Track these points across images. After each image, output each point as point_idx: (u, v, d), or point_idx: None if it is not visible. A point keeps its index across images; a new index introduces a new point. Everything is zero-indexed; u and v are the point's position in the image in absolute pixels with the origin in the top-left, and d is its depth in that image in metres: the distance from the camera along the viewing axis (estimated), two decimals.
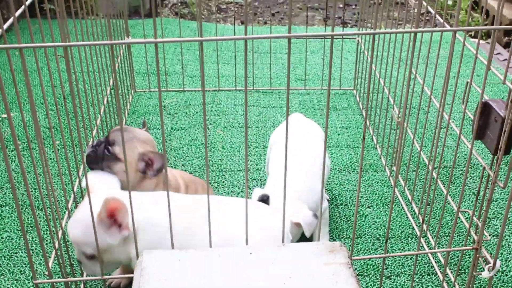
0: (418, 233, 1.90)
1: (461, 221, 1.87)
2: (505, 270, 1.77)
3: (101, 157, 1.63)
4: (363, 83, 2.74)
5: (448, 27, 1.30)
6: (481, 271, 1.44)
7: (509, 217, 2.01)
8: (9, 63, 1.12)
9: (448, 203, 2.02)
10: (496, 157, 1.33)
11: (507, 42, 3.69)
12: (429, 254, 1.80)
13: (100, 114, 2.22)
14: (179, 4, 4.68)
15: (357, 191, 1.26)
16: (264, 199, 1.72)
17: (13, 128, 1.18)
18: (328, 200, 1.99)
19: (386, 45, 2.26)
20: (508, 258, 1.82)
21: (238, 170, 2.26)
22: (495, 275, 1.73)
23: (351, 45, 3.57)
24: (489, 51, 1.31)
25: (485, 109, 1.38)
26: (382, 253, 1.82)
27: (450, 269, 1.75)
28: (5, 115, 2.59)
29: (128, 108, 2.71)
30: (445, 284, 1.69)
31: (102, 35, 2.26)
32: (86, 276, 1.51)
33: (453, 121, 1.89)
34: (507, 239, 1.90)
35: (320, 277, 1.22)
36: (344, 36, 3.29)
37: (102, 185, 1.52)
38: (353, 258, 1.38)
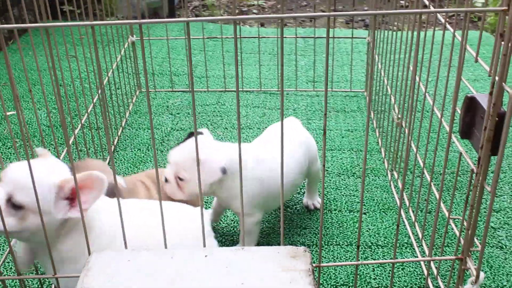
0: (404, 240, 1.77)
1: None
2: (505, 286, 1.62)
3: None
4: (374, 85, 2.61)
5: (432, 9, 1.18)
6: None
7: (510, 224, 1.86)
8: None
9: (441, 210, 1.87)
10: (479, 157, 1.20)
11: None
12: (422, 264, 1.67)
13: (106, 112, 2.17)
14: (200, 6, 4.65)
15: (361, 199, 1.15)
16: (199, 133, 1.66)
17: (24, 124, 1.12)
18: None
19: (392, 46, 2.14)
20: (500, 269, 1.67)
21: None
22: None
23: (363, 46, 3.45)
24: (462, 37, 1.19)
25: (472, 105, 1.25)
26: (381, 260, 1.70)
27: (444, 281, 1.61)
28: (10, 112, 2.57)
29: (130, 108, 2.66)
30: None
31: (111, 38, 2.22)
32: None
33: (446, 121, 1.75)
34: (508, 248, 1.75)
35: (276, 284, 1.12)
36: (344, 37, 3.17)
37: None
38: (321, 265, 1.27)
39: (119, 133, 2.43)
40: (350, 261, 1.72)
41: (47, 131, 2.43)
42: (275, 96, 2.84)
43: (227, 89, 2.88)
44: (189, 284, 1.12)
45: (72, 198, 1.23)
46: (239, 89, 2.87)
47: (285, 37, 3.56)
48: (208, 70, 3.12)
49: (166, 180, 1.65)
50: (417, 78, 1.65)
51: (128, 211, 1.33)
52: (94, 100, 2.23)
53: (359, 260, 1.71)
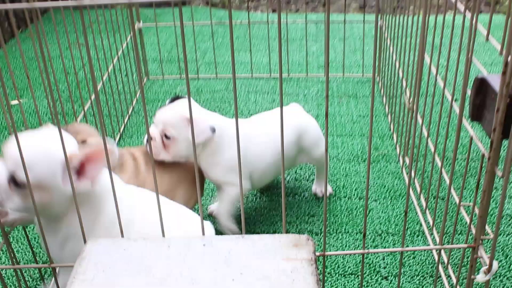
0: (412, 229, 1.71)
1: (474, 216, 1.67)
2: None
3: None
4: (386, 69, 2.54)
5: None
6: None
7: None
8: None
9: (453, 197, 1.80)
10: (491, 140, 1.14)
11: None
12: (434, 253, 1.61)
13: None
14: None
15: (366, 185, 1.10)
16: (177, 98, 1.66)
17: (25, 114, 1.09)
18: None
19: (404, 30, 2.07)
20: None
21: None
22: (494, 278, 1.53)
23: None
24: (472, 15, 1.12)
25: (482, 86, 1.19)
26: (386, 252, 1.65)
27: (456, 270, 1.55)
28: (15, 102, 2.55)
29: (138, 96, 2.62)
30: (447, 286, 1.50)
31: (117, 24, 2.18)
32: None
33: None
34: None
35: (276, 275, 1.07)
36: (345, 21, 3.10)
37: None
38: (326, 253, 1.22)
39: (125, 121, 2.39)
40: (360, 249, 1.67)
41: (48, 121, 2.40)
42: (285, 82, 2.78)
43: (237, 76, 2.83)
44: (186, 274, 1.08)
45: (80, 170, 1.17)
46: (250, 76, 2.82)
47: (296, 22, 3.50)
48: (218, 56, 3.06)
49: (150, 139, 1.60)
50: (428, 60, 1.58)
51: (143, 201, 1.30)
52: (99, 87, 2.19)
53: (366, 248, 1.65)
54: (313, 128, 1.80)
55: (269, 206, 1.86)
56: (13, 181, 1.14)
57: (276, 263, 1.10)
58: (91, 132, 1.58)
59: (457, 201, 1.41)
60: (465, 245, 1.24)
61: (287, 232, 1.75)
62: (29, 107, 2.53)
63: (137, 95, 2.61)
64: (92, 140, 1.52)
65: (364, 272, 1.58)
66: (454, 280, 1.50)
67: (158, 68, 2.92)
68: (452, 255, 1.62)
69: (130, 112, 2.47)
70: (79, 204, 1.16)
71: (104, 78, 2.32)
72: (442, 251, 1.56)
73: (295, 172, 2.03)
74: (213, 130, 1.56)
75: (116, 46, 2.35)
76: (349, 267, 1.59)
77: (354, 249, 1.66)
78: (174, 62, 3.00)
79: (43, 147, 1.14)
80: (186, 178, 1.65)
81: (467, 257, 1.55)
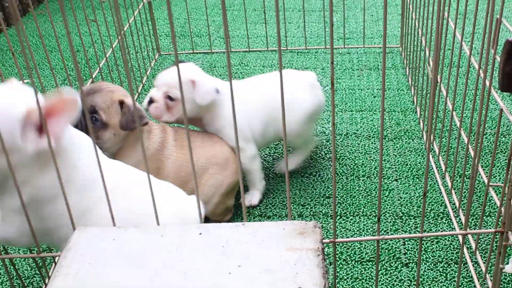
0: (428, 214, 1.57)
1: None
2: None
3: (86, 128, 1.41)
4: (409, 39, 2.38)
5: None
6: None
7: None
8: None
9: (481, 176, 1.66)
10: None
11: None
12: (460, 238, 1.48)
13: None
14: None
15: (380, 164, 0.98)
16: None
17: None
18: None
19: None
20: None
21: None
22: None
23: None
24: None
25: None
26: (406, 235, 1.52)
27: (485, 256, 1.42)
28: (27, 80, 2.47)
29: (148, 73, 2.51)
30: (474, 275, 1.37)
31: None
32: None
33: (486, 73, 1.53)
34: None
35: (278, 267, 0.96)
36: None
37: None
38: (336, 240, 1.10)
39: (135, 99, 2.29)
40: (375, 234, 1.54)
41: None
42: (302, 55, 2.64)
43: (251, 49, 2.70)
44: (179, 267, 0.98)
45: (41, 126, 1.03)
46: (264, 49, 2.69)
47: None
48: (233, 30, 2.93)
49: (151, 102, 1.59)
50: (451, 24, 1.43)
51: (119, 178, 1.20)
52: (101, 64, 2.09)
53: (383, 233, 1.53)
54: (306, 106, 1.67)
55: (283, 188, 1.75)
56: None
57: (278, 254, 0.99)
58: (125, 93, 1.52)
59: (486, 180, 1.28)
60: (493, 230, 1.11)
61: (301, 215, 1.64)
62: (37, 86, 2.44)
63: (148, 72, 2.50)
64: (129, 101, 1.47)
65: (383, 259, 1.46)
66: (482, 267, 1.37)
67: (170, 43, 2.81)
68: (480, 239, 1.49)
69: (139, 90, 2.37)
70: (46, 165, 1.06)
71: (107, 56, 2.21)
72: (469, 236, 1.43)
73: (311, 151, 1.91)
74: (217, 91, 1.58)
75: (122, 24, 2.25)
76: (366, 253, 1.48)
77: (373, 233, 1.54)
78: (188, 36, 2.88)
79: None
80: (216, 162, 1.57)
81: (497, 242, 1.42)
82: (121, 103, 1.46)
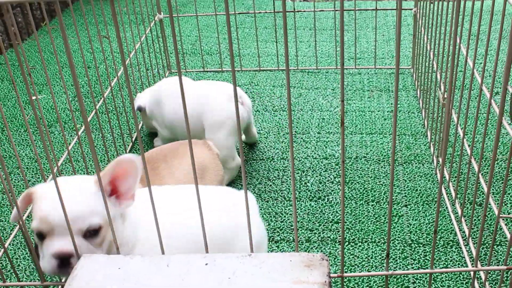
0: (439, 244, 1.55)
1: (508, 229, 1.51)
2: None
3: None
4: (420, 60, 2.37)
5: None
6: None
7: None
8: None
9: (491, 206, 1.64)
10: None
11: None
12: (471, 273, 1.46)
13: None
14: None
15: (390, 193, 0.97)
16: None
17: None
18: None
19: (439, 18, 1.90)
20: None
21: (260, 159, 2.00)
22: None
23: (411, 19, 3.17)
24: None
25: None
26: (416, 264, 1.50)
27: None
28: (38, 97, 2.48)
29: None
30: None
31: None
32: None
33: (497, 102, 1.51)
34: None
35: None
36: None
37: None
38: (344, 275, 1.09)
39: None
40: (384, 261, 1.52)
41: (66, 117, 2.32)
42: (313, 75, 2.63)
43: (261, 68, 2.70)
44: None
45: (113, 190, 1.15)
46: (275, 68, 2.69)
47: (322, 11, 3.33)
48: (244, 48, 2.94)
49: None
50: (464, 51, 1.42)
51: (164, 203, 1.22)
52: (113, 83, 2.09)
53: (392, 263, 1.51)
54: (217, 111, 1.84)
55: (291, 212, 1.74)
56: (84, 235, 1.13)
57: (285, 287, 0.98)
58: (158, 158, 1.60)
59: (496, 211, 1.26)
60: (504, 268, 1.09)
61: (308, 240, 1.62)
62: (46, 103, 2.45)
63: None
64: (161, 165, 1.56)
65: None
66: None
67: (180, 62, 2.81)
68: (491, 272, 1.46)
69: None
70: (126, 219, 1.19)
71: (119, 74, 2.22)
72: (481, 272, 1.40)
73: (319, 174, 1.90)
74: (140, 109, 2.05)
75: (138, 37, 2.25)
76: (374, 282, 1.46)
77: (381, 261, 1.52)
78: (198, 54, 2.89)
79: (76, 189, 1.13)
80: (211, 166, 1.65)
81: (507, 278, 1.39)
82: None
